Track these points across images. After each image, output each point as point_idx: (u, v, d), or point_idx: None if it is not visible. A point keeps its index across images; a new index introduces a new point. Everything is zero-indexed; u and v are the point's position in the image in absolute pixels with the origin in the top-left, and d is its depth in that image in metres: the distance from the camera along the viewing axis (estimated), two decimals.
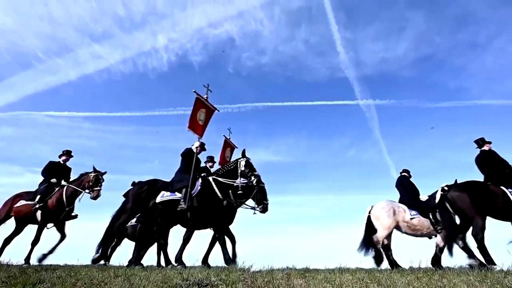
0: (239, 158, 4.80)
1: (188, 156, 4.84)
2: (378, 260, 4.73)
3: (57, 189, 5.57)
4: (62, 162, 5.96)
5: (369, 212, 5.08)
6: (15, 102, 15.38)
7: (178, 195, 4.48)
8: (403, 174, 5.51)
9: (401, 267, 4.57)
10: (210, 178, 4.72)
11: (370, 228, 4.97)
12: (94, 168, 5.65)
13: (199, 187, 4.54)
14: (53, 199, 5.43)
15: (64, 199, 5.42)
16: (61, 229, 5.49)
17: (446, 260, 4.62)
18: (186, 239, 4.58)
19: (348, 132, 18.16)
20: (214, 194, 4.53)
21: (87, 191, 5.47)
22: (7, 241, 5.64)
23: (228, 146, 6.26)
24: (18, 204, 5.58)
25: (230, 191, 4.60)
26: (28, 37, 15.42)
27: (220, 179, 4.65)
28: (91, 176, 5.50)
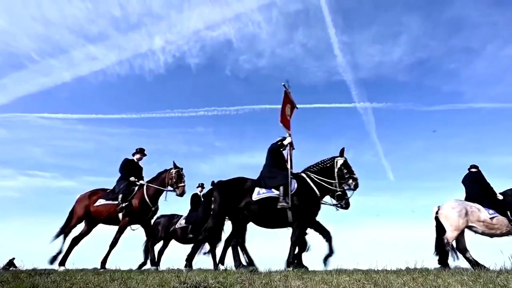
0: (336, 157, 4.54)
1: (277, 151, 4.59)
2: (443, 261, 4.46)
3: (136, 188, 5.24)
4: (135, 160, 5.64)
5: (436, 213, 4.89)
6: (7, 103, 15.18)
7: (275, 192, 4.18)
8: (472, 170, 5.18)
9: (484, 266, 4.27)
10: (304, 175, 4.47)
11: (440, 230, 4.78)
12: (174, 164, 5.36)
13: (296, 185, 4.26)
14: (136, 199, 5.10)
15: (147, 199, 5.12)
16: (148, 230, 5.26)
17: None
18: (296, 241, 4.17)
19: (345, 135, 18.38)
20: (313, 192, 4.28)
21: (170, 188, 5.21)
22: (76, 241, 5.35)
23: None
24: (98, 204, 5.20)
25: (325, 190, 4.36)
26: (20, 38, 15.25)
27: (313, 176, 4.41)
28: (173, 173, 5.22)
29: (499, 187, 4.96)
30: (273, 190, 4.22)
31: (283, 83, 4.92)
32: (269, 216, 4.25)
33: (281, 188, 4.15)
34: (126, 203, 5.00)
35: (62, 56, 15.75)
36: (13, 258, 11.08)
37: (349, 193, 4.47)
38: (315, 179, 4.38)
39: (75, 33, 15.84)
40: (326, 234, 4.31)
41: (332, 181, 4.34)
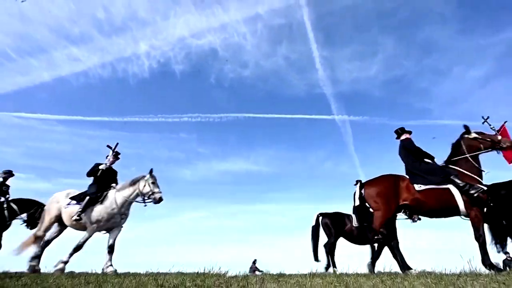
0: None
1: None
2: None
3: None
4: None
5: None
6: None
7: None
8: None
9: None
10: None
11: None
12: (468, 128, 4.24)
13: None
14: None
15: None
16: None
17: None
18: None
19: (324, 146, 18.90)
20: None
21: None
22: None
23: None
24: (420, 188, 3.94)
25: None
26: None
27: None
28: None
29: None
30: None
31: None
32: None
33: None
34: (483, 187, 3.75)
35: (41, 55, 15.17)
36: (255, 260, 10.38)
37: None
38: None
39: (56, 33, 15.36)
40: None
41: None
